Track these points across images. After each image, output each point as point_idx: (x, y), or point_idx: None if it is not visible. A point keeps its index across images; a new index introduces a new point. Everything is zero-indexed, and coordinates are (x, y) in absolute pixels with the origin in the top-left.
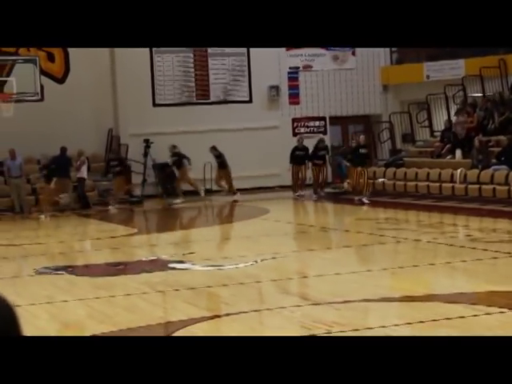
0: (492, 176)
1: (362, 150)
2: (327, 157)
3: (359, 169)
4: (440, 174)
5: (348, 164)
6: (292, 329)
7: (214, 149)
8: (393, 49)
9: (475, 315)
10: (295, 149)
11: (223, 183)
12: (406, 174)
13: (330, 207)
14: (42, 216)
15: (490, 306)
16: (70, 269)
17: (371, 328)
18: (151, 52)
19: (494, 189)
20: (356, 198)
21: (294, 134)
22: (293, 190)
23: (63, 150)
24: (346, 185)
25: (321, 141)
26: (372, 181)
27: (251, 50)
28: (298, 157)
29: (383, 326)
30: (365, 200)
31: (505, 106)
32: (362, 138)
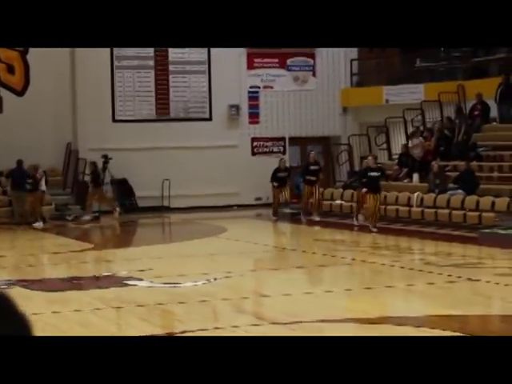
0: (448, 200)
1: (313, 167)
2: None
3: (309, 187)
4: (397, 198)
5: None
6: None
7: (93, 164)
8: (353, 71)
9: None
10: (277, 170)
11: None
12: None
13: (287, 227)
14: None
15: (444, 329)
16: (24, 282)
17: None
18: (112, 67)
19: (450, 213)
20: (305, 217)
21: (253, 154)
22: (273, 212)
23: (19, 162)
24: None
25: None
26: (330, 202)
27: (212, 67)
28: (281, 178)
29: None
30: (316, 218)
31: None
32: (311, 154)
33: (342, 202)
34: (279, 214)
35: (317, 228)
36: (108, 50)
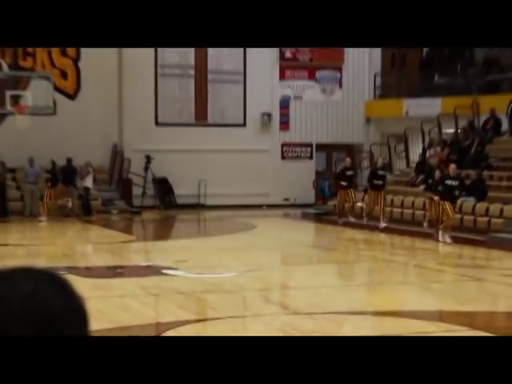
0: (460, 206)
1: (348, 173)
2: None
3: (344, 192)
4: (413, 202)
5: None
6: (271, 334)
7: (53, 163)
8: (376, 85)
9: (437, 332)
10: (345, 169)
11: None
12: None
13: (314, 226)
14: (43, 219)
15: (452, 324)
16: (72, 270)
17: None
18: (156, 75)
19: (462, 218)
20: (340, 219)
21: (283, 158)
22: (338, 214)
23: (69, 160)
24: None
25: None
26: (352, 204)
27: (247, 77)
28: (349, 177)
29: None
30: (382, 225)
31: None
32: (348, 160)
33: (363, 204)
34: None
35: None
36: (152, 58)
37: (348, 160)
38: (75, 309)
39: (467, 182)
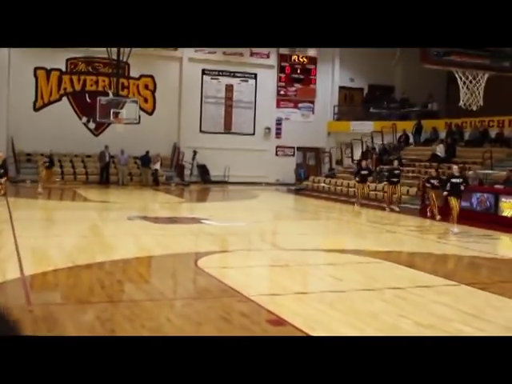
0: (383, 188)
1: (363, 172)
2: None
3: (361, 185)
4: (354, 184)
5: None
6: (265, 261)
7: (49, 156)
8: (335, 112)
9: (364, 262)
10: (360, 169)
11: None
12: (336, 182)
13: (294, 197)
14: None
15: (375, 257)
16: (146, 218)
17: (309, 264)
18: (201, 101)
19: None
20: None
21: (276, 155)
22: (357, 202)
23: (147, 152)
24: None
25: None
26: (317, 184)
27: (257, 105)
28: (362, 175)
29: (317, 264)
30: (396, 208)
31: (389, 152)
32: (365, 162)
33: (325, 184)
34: (294, 189)
35: (317, 201)
36: (199, 90)
37: (364, 162)
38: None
39: (396, 172)
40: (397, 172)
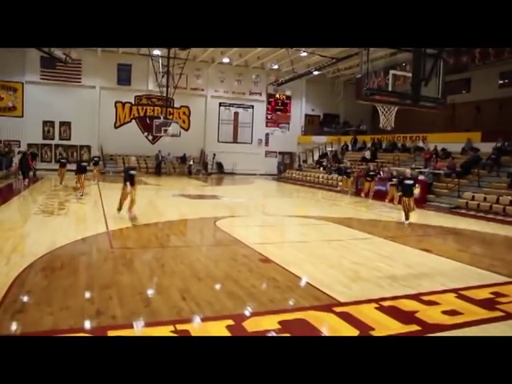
0: (341, 179)
1: (371, 173)
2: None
3: (369, 183)
4: (314, 175)
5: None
6: (258, 222)
7: (61, 156)
8: (303, 129)
9: (321, 224)
10: (368, 171)
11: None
12: (303, 173)
13: (277, 183)
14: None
15: (328, 221)
16: (183, 195)
17: (285, 225)
18: (219, 122)
19: (338, 183)
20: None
21: (266, 156)
22: (361, 194)
23: (184, 154)
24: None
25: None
26: (291, 175)
27: (254, 125)
28: (370, 176)
29: (290, 224)
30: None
31: (337, 157)
32: (371, 165)
33: (296, 175)
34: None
35: (294, 186)
36: (217, 114)
37: (372, 165)
38: None
39: (371, 173)
40: (372, 173)
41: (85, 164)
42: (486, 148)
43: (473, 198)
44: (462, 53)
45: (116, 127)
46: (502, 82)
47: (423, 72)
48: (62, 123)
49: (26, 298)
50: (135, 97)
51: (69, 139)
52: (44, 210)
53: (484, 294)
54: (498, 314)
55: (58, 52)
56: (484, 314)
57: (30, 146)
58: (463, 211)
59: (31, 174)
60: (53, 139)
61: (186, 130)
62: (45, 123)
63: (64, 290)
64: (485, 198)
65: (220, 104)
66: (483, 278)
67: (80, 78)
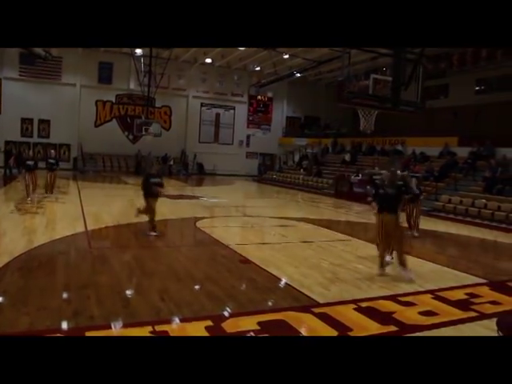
0: (318, 180)
1: (375, 177)
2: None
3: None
4: (299, 177)
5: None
6: (238, 223)
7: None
8: (283, 131)
9: (300, 225)
10: (373, 173)
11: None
12: (283, 175)
13: (257, 184)
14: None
15: (308, 223)
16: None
17: (265, 226)
18: (200, 123)
19: (318, 185)
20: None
21: (246, 157)
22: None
23: (165, 154)
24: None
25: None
26: (271, 176)
27: (235, 126)
28: (374, 179)
29: (270, 225)
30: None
31: (318, 159)
32: (376, 168)
33: (276, 176)
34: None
35: (274, 187)
36: (198, 115)
37: (376, 168)
38: None
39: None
40: (376, 177)
41: (30, 163)
42: (463, 152)
43: (449, 201)
44: (440, 58)
45: (96, 126)
46: (478, 88)
47: (403, 77)
48: (41, 121)
49: (1, 298)
50: (116, 96)
51: (48, 137)
52: (21, 208)
53: (459, 294)
54: (473, 314)
55: (38, 49)
56: (459, 314)
57: (7, 143)
58: (441, 214)
59: (8, 172)
60: (31, 137)
61: (167, 130)
62: (23, 120)
63: (41, 290)
64: (461, 201)
65: (201, 104)
66: (459, 280)
67: (60, 76)
